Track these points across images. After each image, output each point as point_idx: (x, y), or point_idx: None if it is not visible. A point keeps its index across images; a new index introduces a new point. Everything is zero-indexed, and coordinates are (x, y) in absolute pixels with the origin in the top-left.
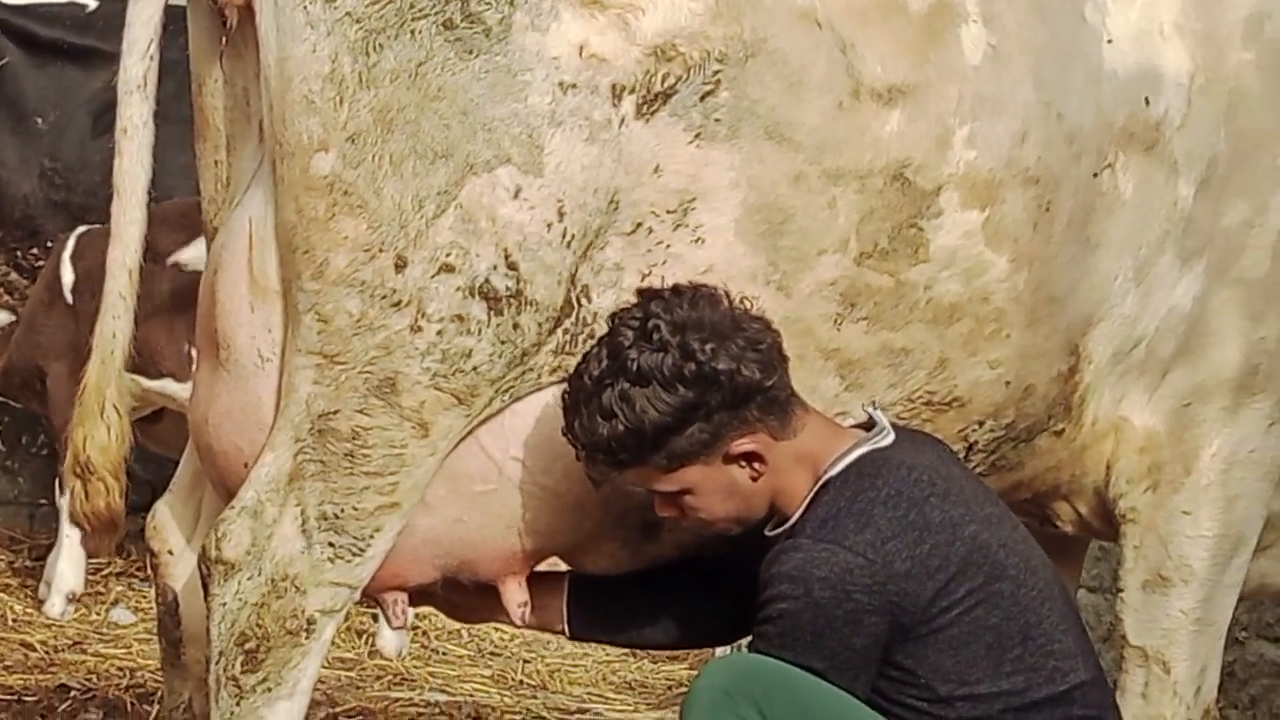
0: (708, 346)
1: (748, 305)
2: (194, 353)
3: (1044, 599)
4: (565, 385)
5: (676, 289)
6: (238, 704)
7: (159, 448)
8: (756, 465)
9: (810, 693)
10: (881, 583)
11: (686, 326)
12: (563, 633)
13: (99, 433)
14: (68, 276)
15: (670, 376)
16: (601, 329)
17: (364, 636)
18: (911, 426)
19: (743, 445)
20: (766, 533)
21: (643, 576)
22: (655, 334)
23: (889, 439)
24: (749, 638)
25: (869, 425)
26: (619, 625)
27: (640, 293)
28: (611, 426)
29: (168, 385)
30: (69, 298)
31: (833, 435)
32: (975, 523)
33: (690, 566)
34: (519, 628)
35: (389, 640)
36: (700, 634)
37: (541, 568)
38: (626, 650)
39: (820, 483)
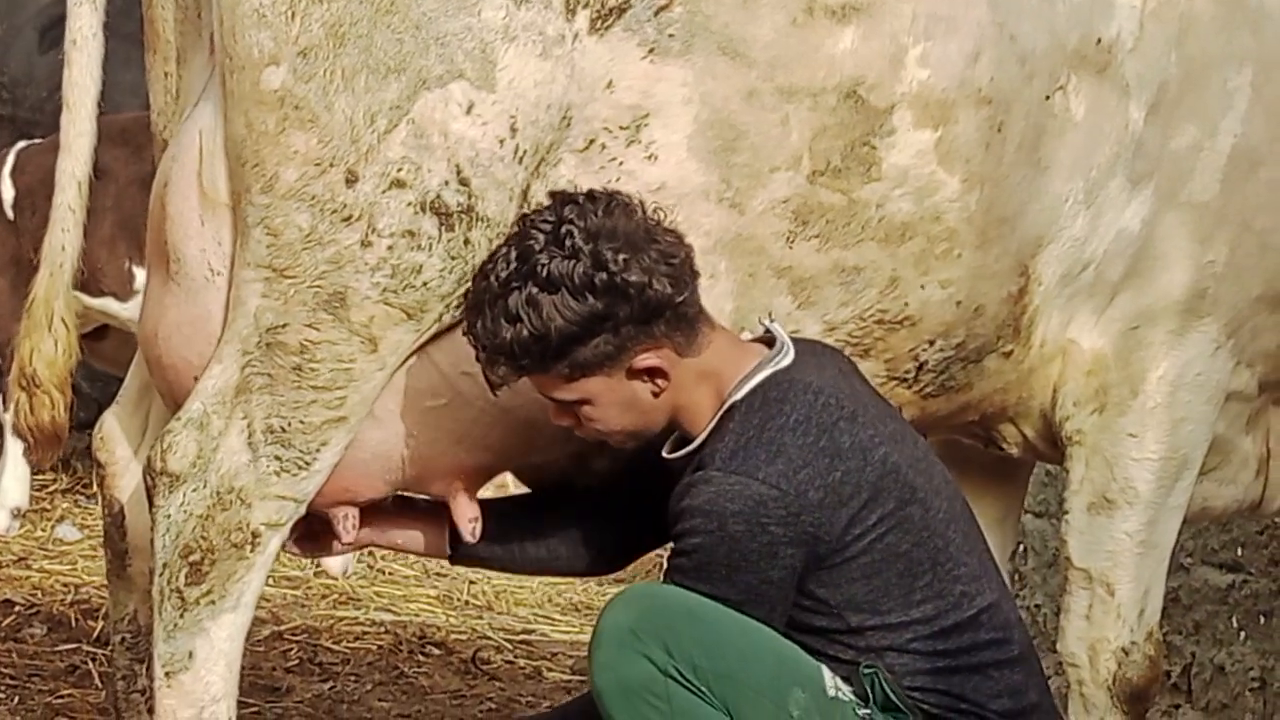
0: (620, 257)
1: (661, 216)
2: (134, 270)
3: (949, 520)
4: (469, 284)
5: (591, 195)
6: (181, 615)
7: (105, 365)
8: (659, 381)
9: (717, 626)
10: (795, 513)
11: (600, 235)
12: (447, 556)
13: (46, 346)
14: (8, 192)
15: (580, 285)
16: None
17: None
18: (807, 337)
19: (647, 360)
20: (665, 454)
21: (527, 499)
22: (568, 240)
23: (790, 357)
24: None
25: (768, 339)
26: (502, 545)
27: (553, 195)
28: (515, 331)
29: (109, 304)
30: (9, 213)
31: (737, 354)
32: (885, 444)
33: (581, 492)
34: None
35: (334, 559)
36: (585, 558)
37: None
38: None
39: (725, 406)
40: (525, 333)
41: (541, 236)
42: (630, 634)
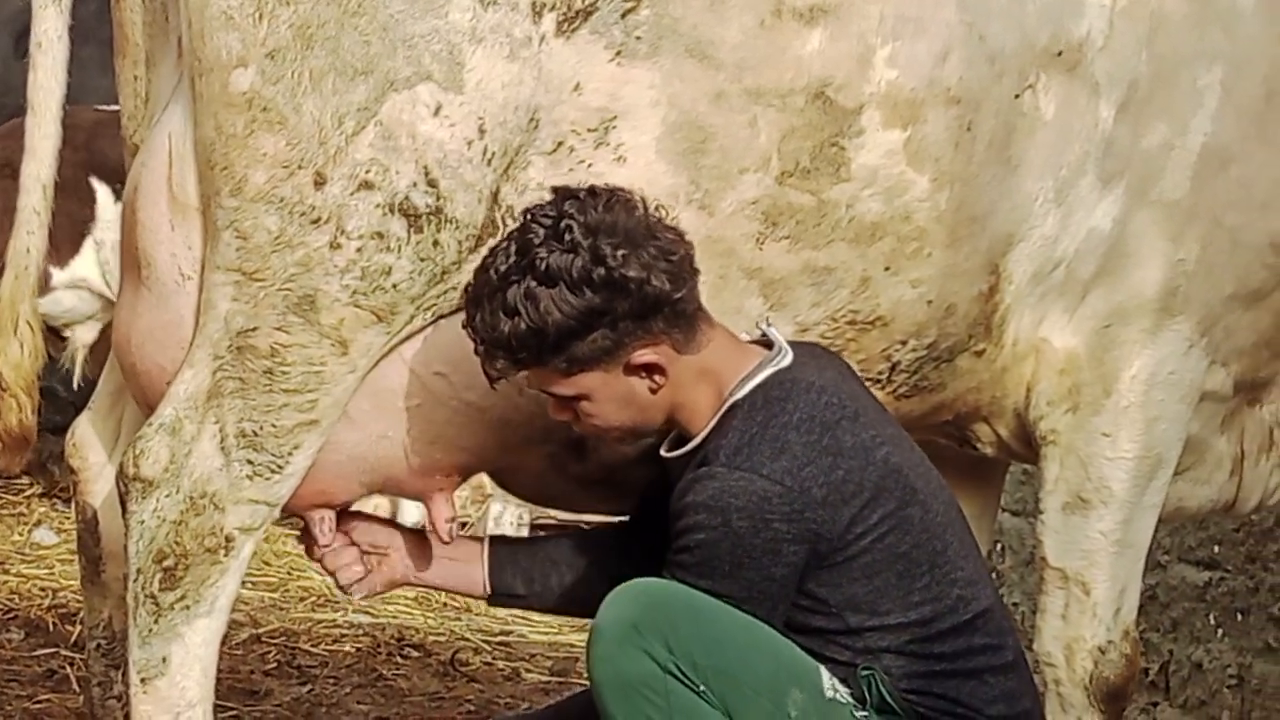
0: (619, 252)
1: (663, 214)
2: (49, 270)
3: (946, 524)
4: (470, 278)
5: (593, 190)
6: (156, 621)
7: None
8: (657, 377)
9: (718, 623)
10: (799, 510)
11: (599, 230)
12: (483, 597)
13: (12, 349)
14: None
15: (578, 279)
16: None
17: (286, 558)
18: (806, 341)
19: (644, 356)
20: (663, 452)
21: (567, 537)
22: (567, 234)
23: (789, 357)
24: None
25: (766, 342)
26: (541, 586)
27: (555, 191)
28: (514, 324)
29: None
30: None
31: (737, 353)
32: (886, 445)
33: (620, 529)
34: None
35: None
36: None
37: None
38: None
39: (727, 405)
40: (523, 326)
41: (541, 231)
42: (632, 629)
